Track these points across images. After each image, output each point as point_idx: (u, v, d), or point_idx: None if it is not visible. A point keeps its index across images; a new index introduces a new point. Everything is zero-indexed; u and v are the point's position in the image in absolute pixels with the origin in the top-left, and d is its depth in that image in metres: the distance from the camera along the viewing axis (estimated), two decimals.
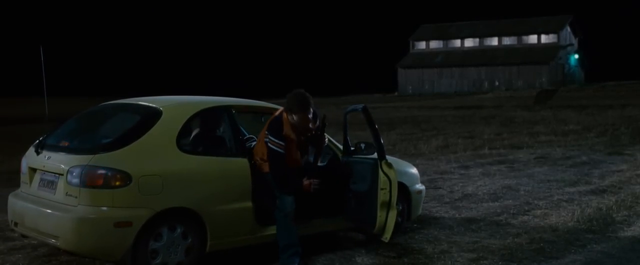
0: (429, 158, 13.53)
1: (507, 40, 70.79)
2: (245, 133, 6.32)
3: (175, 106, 5.70)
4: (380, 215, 5.70)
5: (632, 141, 16.09)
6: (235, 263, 5.94)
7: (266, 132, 5.48)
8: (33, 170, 5.57)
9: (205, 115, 5.80)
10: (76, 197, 4.95)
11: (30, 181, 5.58)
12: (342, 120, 6.39)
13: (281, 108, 5.69)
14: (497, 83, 67.54)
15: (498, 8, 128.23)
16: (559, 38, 68.33)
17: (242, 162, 5.61)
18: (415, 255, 6.07)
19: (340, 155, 6.35)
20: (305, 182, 5.56)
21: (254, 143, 6.25)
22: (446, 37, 73.36)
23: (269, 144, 5.41)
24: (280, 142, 5.38)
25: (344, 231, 6.82)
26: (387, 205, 5.71)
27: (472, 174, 11.15)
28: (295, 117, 5.42)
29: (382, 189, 5.69)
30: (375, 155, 5.90)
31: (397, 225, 6.78)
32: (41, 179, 5.43)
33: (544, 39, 68.97)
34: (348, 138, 6.31)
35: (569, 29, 70.14)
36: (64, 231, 4.94)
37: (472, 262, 5.83)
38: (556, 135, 17.91)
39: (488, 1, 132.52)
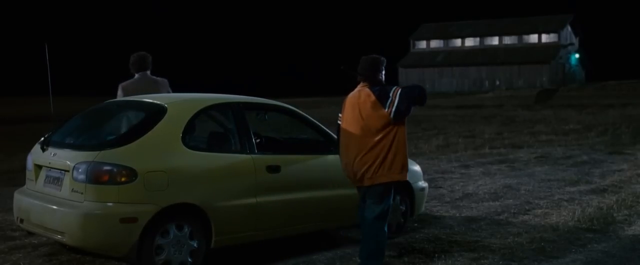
0: (429, 157, 13.54)
1: (508, 40, 70.64)
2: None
3: (179, 103, 5.74)
4: None
5: (632, 140, 16.10)
6: (238, 263, 5.97)
7: (380, 99, 5.43)
8: (38, 167, 5.60)
9: (210, 112, 5.83)
10: (82, 193, 4.99)
11: (36, 178, 5.61)
12: None
13: (359, 87, 5.78)
14: (497, 82, 67.42)
15: (499, 7, 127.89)
16: (559, 37, 68.20)
17: (247, 159, 5.65)
18: (415, 254, 6.09)
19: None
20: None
21: None
22: (447, 36, 73.20)
23: (398, 100, 5.31)
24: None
25: (344, 231, 6.85)
26: None
27: (473, 173, 11.18)
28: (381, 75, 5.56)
29: None
30: None
31: (400, 225, 6.81)
32: (47, 176, 5.46)
33: (545, 38, 68.84)
34: None
35: (569, 28, 70.01)
36: (70, 227, 4.98)
37: (473, 261, 5.86)
38: (557, 135, 17.92)
39: (489, 0, 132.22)
